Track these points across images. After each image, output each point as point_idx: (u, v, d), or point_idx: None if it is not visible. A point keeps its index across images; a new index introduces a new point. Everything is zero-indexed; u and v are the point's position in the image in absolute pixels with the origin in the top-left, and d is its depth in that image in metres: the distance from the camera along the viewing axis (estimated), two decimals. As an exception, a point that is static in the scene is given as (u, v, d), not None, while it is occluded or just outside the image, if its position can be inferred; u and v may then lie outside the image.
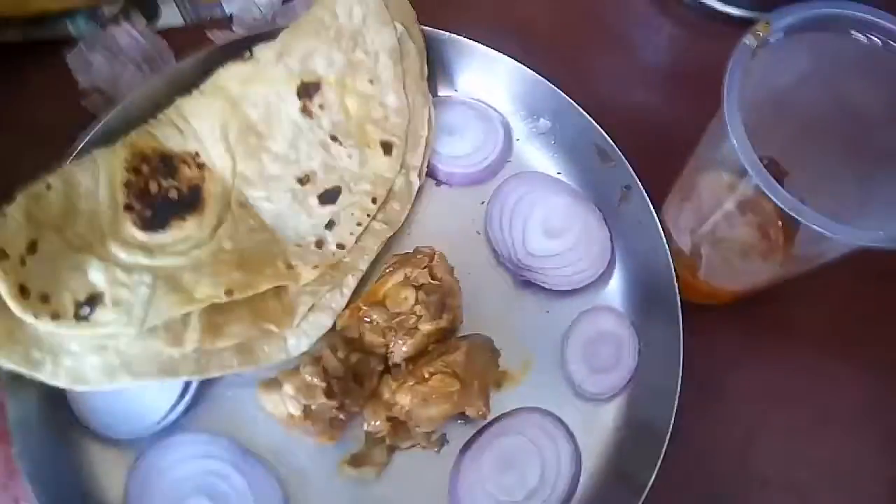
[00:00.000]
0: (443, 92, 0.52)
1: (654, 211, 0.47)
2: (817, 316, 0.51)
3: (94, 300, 0.41)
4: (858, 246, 0.35)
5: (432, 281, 0.44)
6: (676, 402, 0.43)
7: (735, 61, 0.36)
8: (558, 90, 0.50)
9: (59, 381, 0.40)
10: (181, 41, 0.54)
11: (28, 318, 0.39)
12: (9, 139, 0.49)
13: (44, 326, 0.39)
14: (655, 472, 0.42)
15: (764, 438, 0.48)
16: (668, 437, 0.43)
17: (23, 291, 0.38)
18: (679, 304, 0.45)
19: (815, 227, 0.33)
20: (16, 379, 0.40)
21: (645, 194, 0.47)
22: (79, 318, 0.40)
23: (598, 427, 0.46)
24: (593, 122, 0.49)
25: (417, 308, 0.43)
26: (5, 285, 0.37)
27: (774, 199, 0.34)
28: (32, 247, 0.39)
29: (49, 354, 0.40)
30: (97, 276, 0.42)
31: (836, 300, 0.51)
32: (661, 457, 0.42)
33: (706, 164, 0.43)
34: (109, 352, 0.41)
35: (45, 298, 0.40)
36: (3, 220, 0.38)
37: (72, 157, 0.44)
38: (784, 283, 0.45)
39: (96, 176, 0.43)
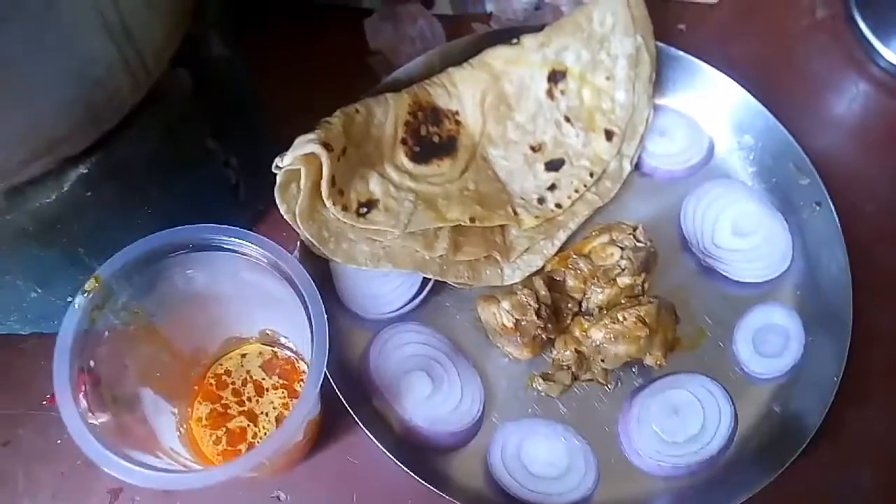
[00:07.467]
0: (661, 99, 0.61)
1: (840, 228, 0.53)
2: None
3: (371, 204, 0.52)
4: None
5: (637, 244, 0.52)
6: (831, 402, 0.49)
7: None
8: (769, 113, 0.57)
9: (337, 258, 0.52)
10: (447, 27, 0.67)
11: (328, 203, 0.51)
12: (311, 80, 0.63)
13: (335, 213, 0.51)
14: (796, 455, 0.47)
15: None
16: (815, 429, 0.48)
17: (332, 182, 0.50)
18: (851, 319, 0.51)
19: None
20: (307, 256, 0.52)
21: (834, 211, 0.54)
22: (359, 214, 0.52)
23: (754, 402, 0.52)
24: (796, 143, 0.56)
25: (623, 262, 0.51)
26: (327, 171, 0.49)
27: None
28: (343, 151, 0.51)
29: (334, 236, 0.52)
30: (376, 186, 0.53)
31: None
32: (805, 444, 0.48)
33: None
34: (377, 244, 0.52)
35: (341, 192, 0.51)
36: (330, 126, 0.51)
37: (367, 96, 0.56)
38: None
39: (387, 112, 0.55)
